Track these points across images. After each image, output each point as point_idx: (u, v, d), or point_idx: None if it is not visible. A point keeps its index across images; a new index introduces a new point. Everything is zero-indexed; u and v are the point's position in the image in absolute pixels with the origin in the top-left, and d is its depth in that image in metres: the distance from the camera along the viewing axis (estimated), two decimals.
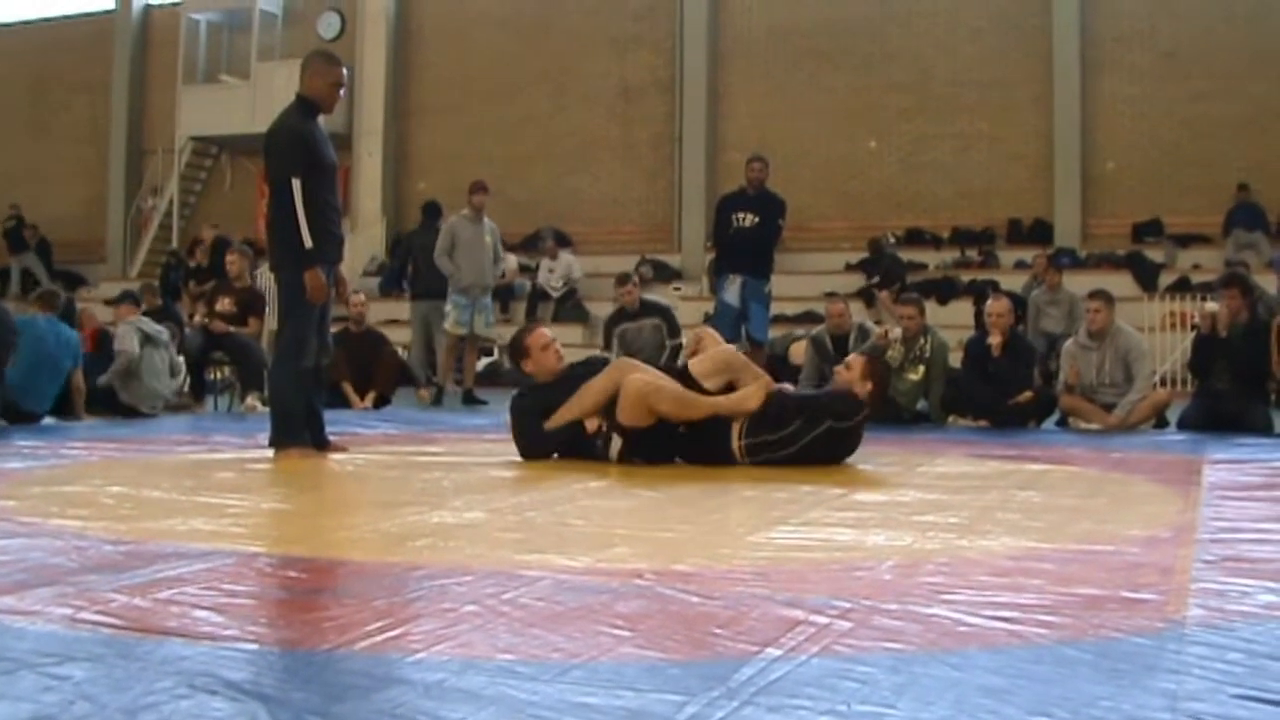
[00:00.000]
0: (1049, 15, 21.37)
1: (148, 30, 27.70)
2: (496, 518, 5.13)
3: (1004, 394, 10.88)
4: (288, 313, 7.78)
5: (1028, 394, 10.99)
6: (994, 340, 11.03)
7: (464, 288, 13.75)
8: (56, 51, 27.98)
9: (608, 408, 7.23)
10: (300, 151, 7.59)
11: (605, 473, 6.91)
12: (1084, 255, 20.51)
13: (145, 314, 12.42)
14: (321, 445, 7.91)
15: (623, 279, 13.21)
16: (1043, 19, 21.45)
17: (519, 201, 22.93)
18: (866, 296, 19.51)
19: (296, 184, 7.48)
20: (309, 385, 7.83)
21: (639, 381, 7.14)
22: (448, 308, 13.91)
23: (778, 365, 13.08)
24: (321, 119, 8.04)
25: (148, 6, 27.87)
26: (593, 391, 7.33)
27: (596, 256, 22.09)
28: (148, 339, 11.44)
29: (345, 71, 8.05)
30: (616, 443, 7.19)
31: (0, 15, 29.19)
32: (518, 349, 7.85)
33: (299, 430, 7.74)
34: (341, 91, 8.01)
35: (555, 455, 7.45)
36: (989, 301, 11.68)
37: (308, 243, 7.49)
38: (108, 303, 16.71)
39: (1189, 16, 20.83)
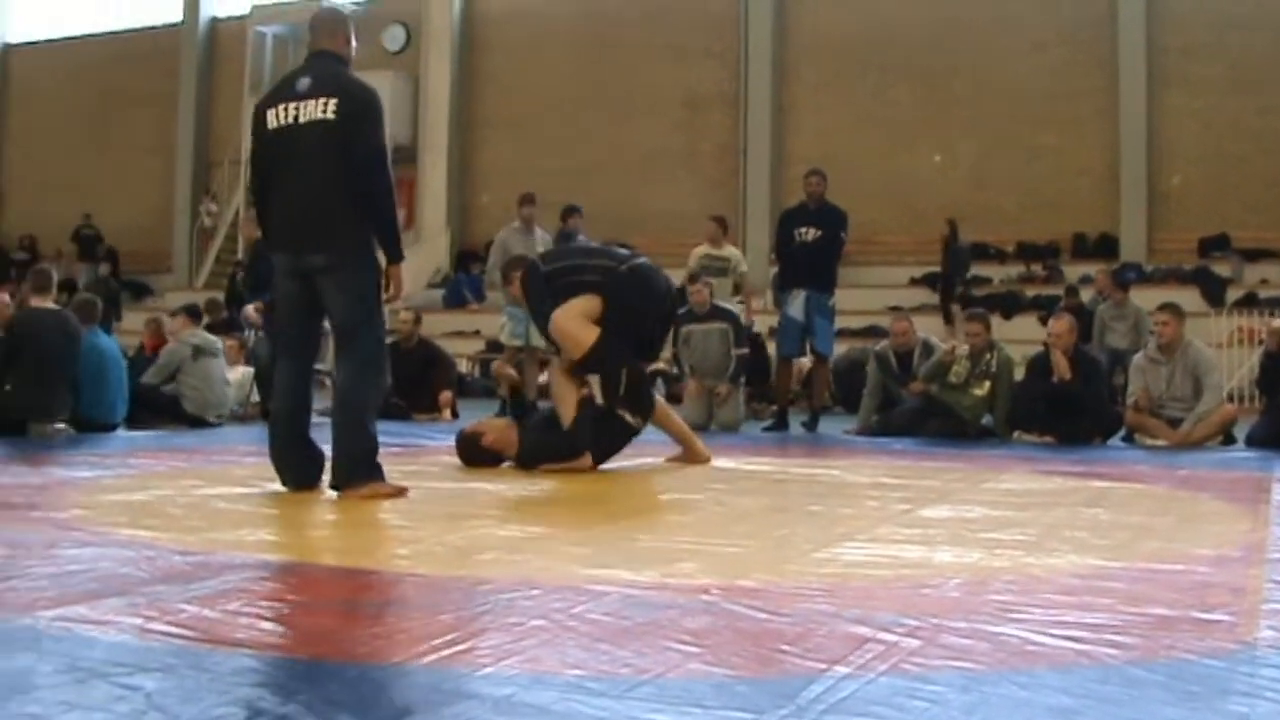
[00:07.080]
0: (1114, 27, 21.26)
1: (214, 43, 28.02)
2: (562, 531, 5.14)
3: (1074, 413, 10.71)
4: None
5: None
6: (1058, 360, 10.79)
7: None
8: (124, 64, 28.32)
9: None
10: None
11: (668, 487, 6.92)
12: (1150, 270, 20.37)
13: (209, 327, 12.50)
14: (303, 484, 6.25)
15: (693, 277, 13.04)
16: (1108, 31, 21.34)
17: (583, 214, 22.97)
18: (944, 311, 19.46)
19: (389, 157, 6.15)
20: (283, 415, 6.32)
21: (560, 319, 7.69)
22: (503, 320, 13.86)
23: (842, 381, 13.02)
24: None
25: (214, 19, 28.21)
26: (562, 382, 7.77)
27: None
28: (199, 351, 11.52)
29: None
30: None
31: (68, 28, 29.56)
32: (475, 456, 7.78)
33: (282, 469, 6.30)
34: None
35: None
36: (1050, 321, 11.49)
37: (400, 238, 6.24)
38: (172, 314, 16.79)
39: (1256, 28, 20.66)
